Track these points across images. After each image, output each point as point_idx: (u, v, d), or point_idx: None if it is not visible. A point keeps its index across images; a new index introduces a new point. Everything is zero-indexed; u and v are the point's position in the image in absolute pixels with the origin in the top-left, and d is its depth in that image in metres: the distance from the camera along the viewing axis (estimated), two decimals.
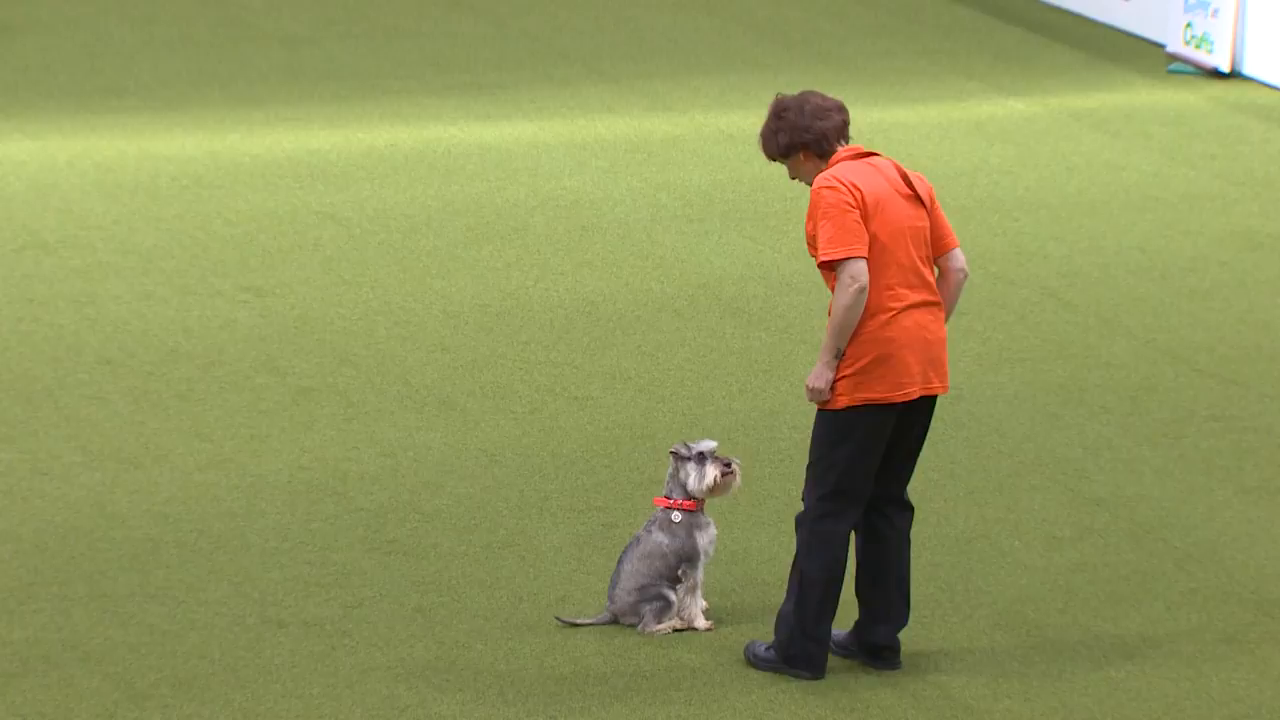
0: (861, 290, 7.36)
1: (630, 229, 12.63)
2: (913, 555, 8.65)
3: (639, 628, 7.84)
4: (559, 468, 9.36)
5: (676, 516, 7.86)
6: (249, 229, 12.46)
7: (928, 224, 7.58)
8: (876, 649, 7.67)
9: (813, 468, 7.56)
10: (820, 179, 7.51)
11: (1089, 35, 17.07)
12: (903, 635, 7.89)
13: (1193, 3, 16.13)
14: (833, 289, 7.46)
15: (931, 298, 7.58)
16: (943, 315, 7.63)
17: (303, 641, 7.91)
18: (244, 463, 9.39)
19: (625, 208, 12.95)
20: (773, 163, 7.69)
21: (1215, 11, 15.97)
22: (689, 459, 7.87)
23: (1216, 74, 15.91)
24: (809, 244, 7.51)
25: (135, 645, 7.84)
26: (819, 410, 7.53)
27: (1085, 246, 12.38)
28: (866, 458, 7.49)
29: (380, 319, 11.13)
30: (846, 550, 7.62)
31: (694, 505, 7.90)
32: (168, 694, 7.52)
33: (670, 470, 7.92)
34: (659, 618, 7.82)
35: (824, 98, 7.60)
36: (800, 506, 7.64)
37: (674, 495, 7.91)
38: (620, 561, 7.93)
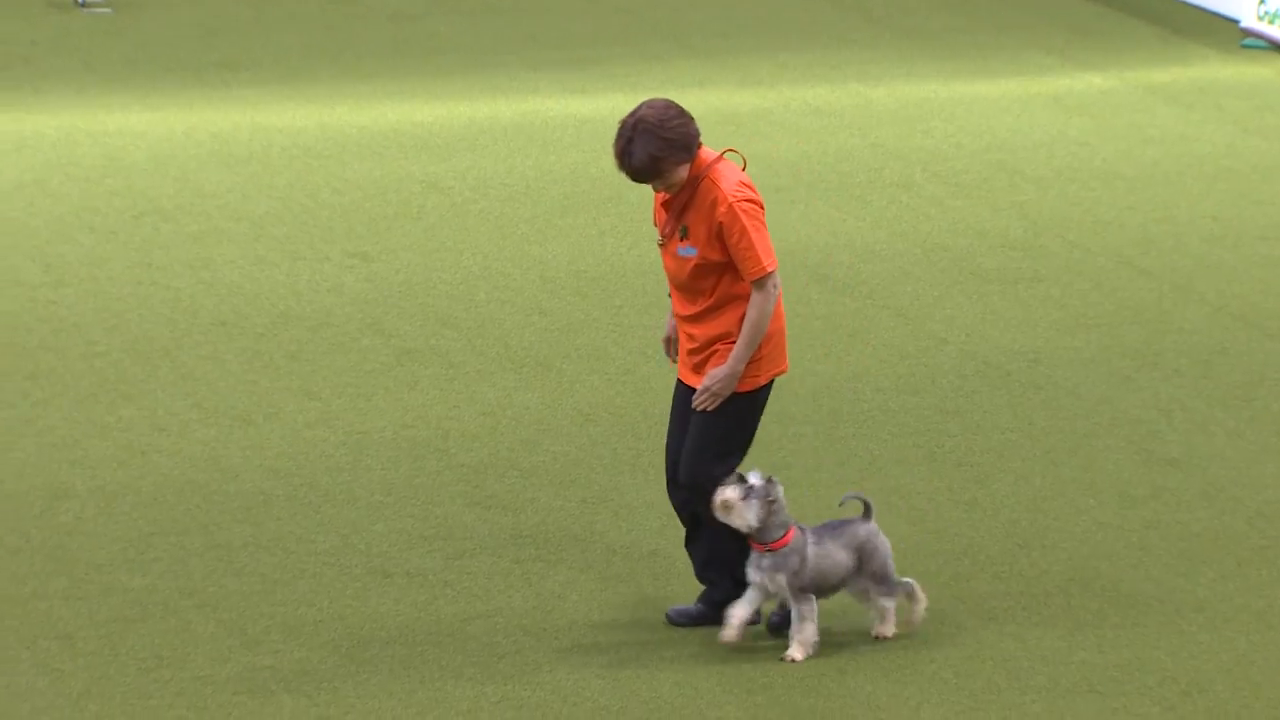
0: None
1: None
2: (992, 512, 8.61)
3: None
4: (650, 427, 9.35)
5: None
6: (356, 197, 12.49)
7: None
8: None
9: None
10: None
11: (1164, 11, 16.89)
12: (981, 588, 7.86)
13: None
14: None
15: None
16: None
17: (407, 591, 7.93)
18: (351, 420, 9.43)
19: None
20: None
21: None
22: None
23: None
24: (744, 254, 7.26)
25: (248, 593, 7.89)
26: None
27: (1160, 216, 12.27)
28: None
29: (480, 284, 11.14)
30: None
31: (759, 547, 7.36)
32: (278, 640, 7.56)
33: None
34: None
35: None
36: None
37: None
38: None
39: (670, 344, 7.72)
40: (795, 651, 7.33)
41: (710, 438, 7.39)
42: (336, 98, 14.42)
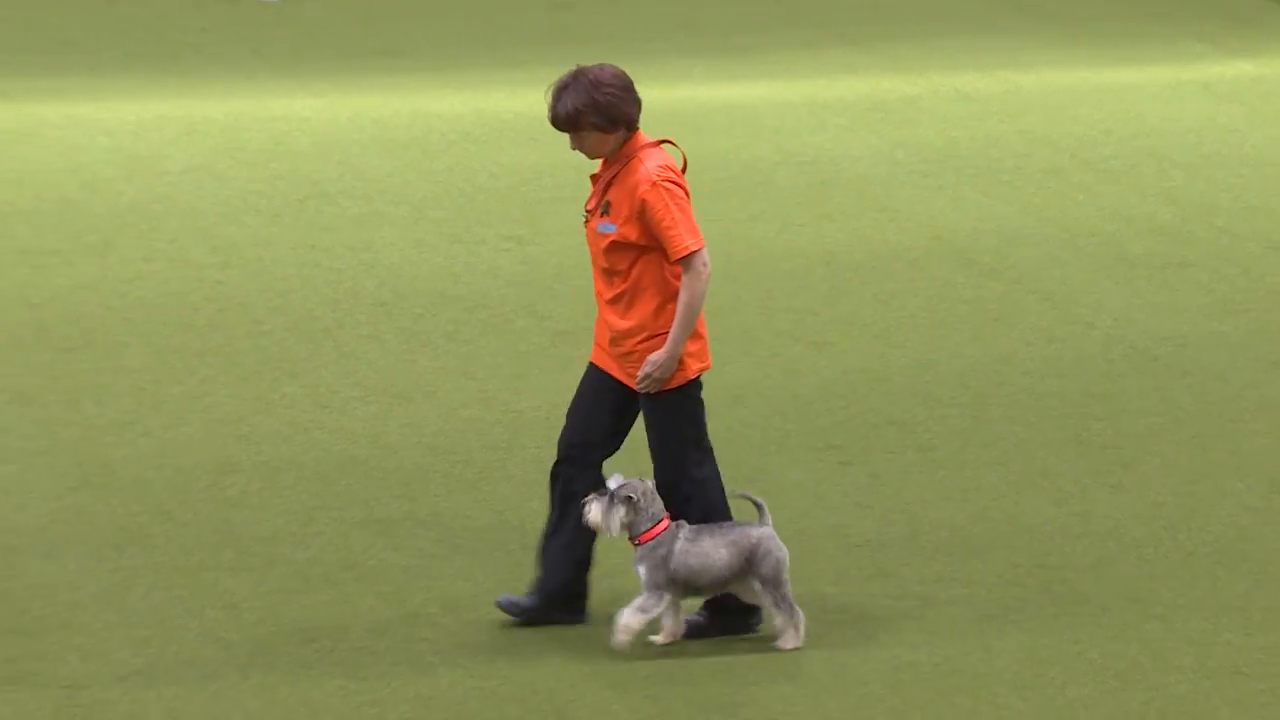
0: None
1: (868, 183, 12.58)
2: (1138, 495, 8.57)
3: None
4: (798, 408, 9.38)
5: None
6: (512, 181, 12.60)
7: None
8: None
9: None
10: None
11: None
12: (1127, 570, 7.83)
13: None
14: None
15: None
16: None
17: None
18: (505, 399, 9.53)
19: (864, 163, 12.90)
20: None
21: None
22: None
23: None
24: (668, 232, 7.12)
25: (406, 567, 8.00)
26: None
27: None
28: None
29: None
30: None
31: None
32: (436, 613, 7.67)
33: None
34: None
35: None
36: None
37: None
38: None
39: None
40: (620, 635, 7.23)
41: (669, 436, 7.27)
42: (493, 84, 14.54)
